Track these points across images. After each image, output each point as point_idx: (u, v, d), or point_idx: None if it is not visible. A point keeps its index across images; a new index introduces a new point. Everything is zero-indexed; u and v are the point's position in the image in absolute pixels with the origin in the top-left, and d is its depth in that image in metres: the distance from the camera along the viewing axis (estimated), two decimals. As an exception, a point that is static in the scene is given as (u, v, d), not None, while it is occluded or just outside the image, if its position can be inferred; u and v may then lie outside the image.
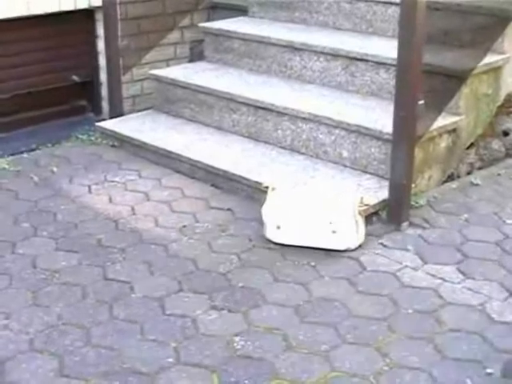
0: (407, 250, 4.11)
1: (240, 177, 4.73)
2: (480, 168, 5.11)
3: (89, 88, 6.07)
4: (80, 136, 5.74)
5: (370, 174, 4.66)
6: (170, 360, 3.26)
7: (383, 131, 4.53)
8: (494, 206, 4.57)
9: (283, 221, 4.13)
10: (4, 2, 5.30)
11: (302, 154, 4.98)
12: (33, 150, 5.51)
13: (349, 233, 4.07)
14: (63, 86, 5.91)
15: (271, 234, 4.17)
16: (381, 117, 4.69)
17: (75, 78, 5.96)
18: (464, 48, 5.00)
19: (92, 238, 4.28)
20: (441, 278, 3.82)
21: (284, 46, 5.53)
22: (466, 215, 4.46)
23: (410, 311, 3.59)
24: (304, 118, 4.93)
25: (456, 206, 4.56)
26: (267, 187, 4.31)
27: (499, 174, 4.99)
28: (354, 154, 4.72)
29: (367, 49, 5.15)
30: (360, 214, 4.13)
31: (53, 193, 4.82)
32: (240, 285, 3.81)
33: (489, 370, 3.18)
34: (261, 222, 4.27)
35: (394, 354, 3.29)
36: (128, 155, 5.40)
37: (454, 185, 4.84)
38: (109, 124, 5.73)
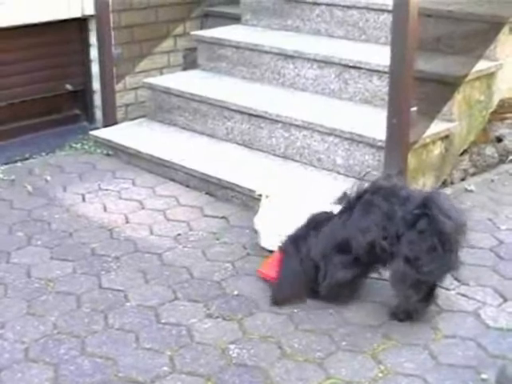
0: (401, 256, 4.11)
1: (234, 185, 4.74)
2: (474, 174, 5.12)
3: (82, 97, 6.07)
4: (74, 145, 5.74)
5: (364, 181, 4.66)
6: (165, 368, 3.26)
7: (376, 138, 4.53)
8: (488, 212, 4.58)
9: (277, 229, 4.12)
10: (-3, 12, 5.31)
11: (296, 161, 4.99)
12: (27, 158, 5.51)
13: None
14: (57, 94, 5.91)
15: (265, 241, 4.17)
16: (374, 124, 4.70)
17: (69, 86, 5.96)
18: (456, 55, 5.01)
19: (86, 246, 4.28)
20: (435, 285, 3.82)
21: (277, 54, 5.54)
22: (459, 221, 4.46)
23: (404, 318, 3.61)
24: (297, 126, 4.94)
25: (450, 212, 4.56)
26: (261, 195, 4.31)
27: (493, 180, 5.00)
28: (348, 161, 4.73)
29: (360, 56, 5.16)
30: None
31: (47, 202, 4.82)
32: (235, 293, 3.82)
33: (483, 376, 3.19)
34: (255, 230, 4.27)
35: (389, 360, 3.30)
36: (122, 164, 5.41)
37: (447, 191, 4.83)
38: (102, 132, 5.73)
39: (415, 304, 3.53)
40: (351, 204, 3.67)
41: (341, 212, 3.71)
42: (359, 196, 3.66)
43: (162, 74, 6.34)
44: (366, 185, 3.70)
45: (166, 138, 5.53)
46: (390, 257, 3.53)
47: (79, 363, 3.29)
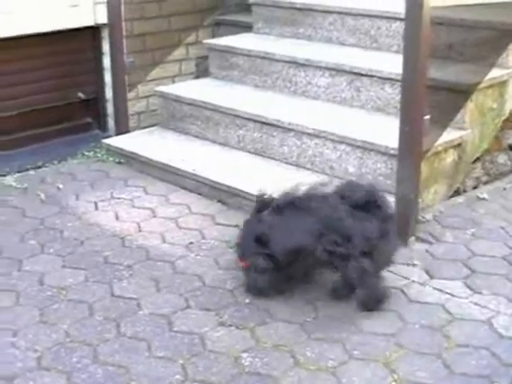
0: (414, 265, 4.10)
1: (246, 193, 4.73)
2: (486, 182, 5.10)
3: (94, 105, 6.08)
4: (86, 153, 5.76)
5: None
6: (178, 377, 3.25)
7: (389, 146, 4.53)
8: (500, 220, 4.56)
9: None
10: (9, 20, 5.32)
11: (308, 169, 4.99)
12: (39, 167, 5.52)
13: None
14: (69, 103, 5.92)
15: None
16: (386, 132, 4.69)
17: (81, 95, 5.97)
18: (469, 63, 5.01)
19: (99, 254, 4.28)
20: (448, 293, 3.81)
21: (289, 62, 5.54)
22: (472, 229, 4.46)
23: (417, 326, 3.59)
24: (309, 134, 4.94)
25: (462, 220, 4.56)
26: (273, 203, 4.31)
27: (505, 189, 4.98)
28: (360, 170, 4.73)
29: (372, 64, 5.16)
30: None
31: (59, 210, 4.83)
32: (247, 301, 3.81)
33: (497, 386, 3.18)
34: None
35: (401, 369, 3.29)
36: (134, 172, 5.41)
37: (460, 199, 4.84)
38: (115, 141, 5.75)
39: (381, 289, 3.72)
40: (282, 207, 3.79)
41: (271, 211, 3.84)
42: (291, 201, 3.78)
43: (173, 82, 6.35)
44: (302, 190, 3.83)
45: (178, 146, 5.54)
46: (339, 259, 3.61)
47: (92, 371, 3.29)
